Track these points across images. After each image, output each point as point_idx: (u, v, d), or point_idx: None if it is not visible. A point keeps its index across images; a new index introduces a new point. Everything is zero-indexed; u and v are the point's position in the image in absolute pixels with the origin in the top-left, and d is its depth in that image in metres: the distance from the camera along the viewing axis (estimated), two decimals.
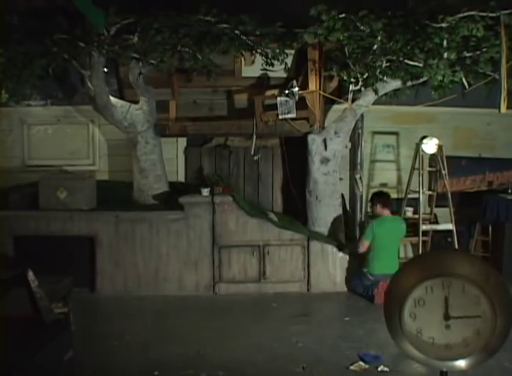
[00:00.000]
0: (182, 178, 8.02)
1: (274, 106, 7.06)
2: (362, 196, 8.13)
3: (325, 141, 6.86)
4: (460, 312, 2.36)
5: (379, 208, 6.53)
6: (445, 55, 5.97)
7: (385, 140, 8.31)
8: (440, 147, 7.24)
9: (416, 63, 6.14)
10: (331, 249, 6.76)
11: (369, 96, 6.79)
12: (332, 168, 6.94)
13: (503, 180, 8.33)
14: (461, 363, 2.40)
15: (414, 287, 2.38)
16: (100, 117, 7.34)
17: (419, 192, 7.21)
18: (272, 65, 6.70)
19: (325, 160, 6.89)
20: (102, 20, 3.46)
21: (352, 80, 6.61)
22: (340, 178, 7.27)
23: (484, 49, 5.93)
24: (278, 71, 6.97)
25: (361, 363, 4.50)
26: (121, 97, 7.18)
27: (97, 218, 6.61)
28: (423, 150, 7.30)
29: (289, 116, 6.93)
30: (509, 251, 7.23)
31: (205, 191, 6.66)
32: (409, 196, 7.90)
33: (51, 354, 3.31)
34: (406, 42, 5.99)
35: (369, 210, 7.55)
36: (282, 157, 8.01)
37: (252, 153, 7.30)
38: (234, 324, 5.55)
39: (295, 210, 7.46)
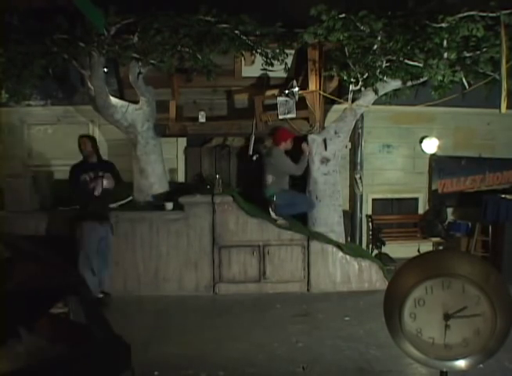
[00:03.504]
0: (182, 178, 8.03)
1: (274, 106, 7.06)
2: (361, 195, 8.15)
3: (325, 141, 6.86)
4: (460, 312, 2.36)
5: None
6: (445, 55, 5.96)
7: (385, 140, 8.34)
8: None
9: (416, 63, 6.14)
10: (331, 249, 6.76)
11: (369, 96, 6.79)
12: (332, 168, 6.93)
13: (503, 180, 8.36)
14: (461, 363, 2.40)
15: (414, 287, 2.38)
16: (100, 117, 7.34)
17: None
18: (272, 65, 6.69)
19: (325, 160, 6.89)
20: (102, 20, 3.47)
21: (352, 80, 6.60)
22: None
23: (484, 49, 5.92)
24: (278, 71, 6.97)
25: None
26: (121, 97, 7.18)
27: None
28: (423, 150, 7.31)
29: (289, 116, 6.93)
30: (509, 251, 7.23)
31: (169, 205, 6.67)
32: (410, 196, 7.94)
33: None
34: (406, 42, 5.98)
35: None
36: None
37: (250, 153, 7.30)
38: (234, 324, 5.55)
39: None
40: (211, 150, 7.97)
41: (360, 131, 8.02)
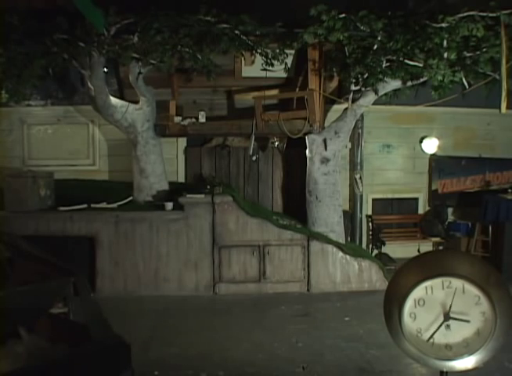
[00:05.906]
0: (182, 178, 8.03)
1: (274, 106, 7.06)
2: (361, 195, 8.15)
3: (325, 141, 6.86)
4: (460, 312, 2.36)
5: None
6: (445, 55, 5.97)
7: (385, 140, 8.35)
8: None
9: (416, 63, 6.14)
10: (331, 249, 6.76)
11: (369, 96, 6.79)
12: (332, 168, 6.93)
13: (503, 180, 8.36)
14: (461, 363, 2.40)
15: (414, 287, 2.38)
16: (100, 117, 7.35)
17: None
18: (272, 65, 6.69)
19: (325, 160, 6.89)
20: (102, 20, 3.45)
21: (352, 80, 6.61)
22: None
23: (484, 49, 5.93)
24: (278, 71, 6.97)
25: None
26: (121, 97, 7.18)
27: (97, 218, 6.61)
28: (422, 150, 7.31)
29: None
30: (509, 251, 7.23)
31: (169, 205, 6.66)
32: (410, 196, 7.93)
33: None
34: (406, 42, 5.99)
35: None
36: (282, 157, 8.03)
37: (250, 153, 7.30)
38: (234, 324, 5.55)
39: (295, 210, 7.46)
40: (211, 150, 7.98)
41: (360, 131, 8.02)
